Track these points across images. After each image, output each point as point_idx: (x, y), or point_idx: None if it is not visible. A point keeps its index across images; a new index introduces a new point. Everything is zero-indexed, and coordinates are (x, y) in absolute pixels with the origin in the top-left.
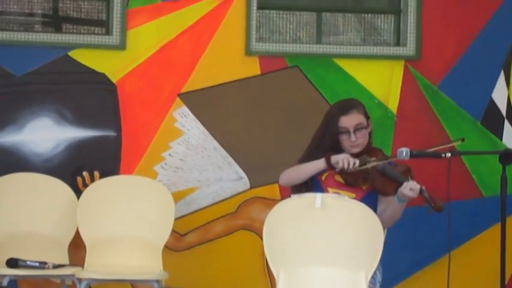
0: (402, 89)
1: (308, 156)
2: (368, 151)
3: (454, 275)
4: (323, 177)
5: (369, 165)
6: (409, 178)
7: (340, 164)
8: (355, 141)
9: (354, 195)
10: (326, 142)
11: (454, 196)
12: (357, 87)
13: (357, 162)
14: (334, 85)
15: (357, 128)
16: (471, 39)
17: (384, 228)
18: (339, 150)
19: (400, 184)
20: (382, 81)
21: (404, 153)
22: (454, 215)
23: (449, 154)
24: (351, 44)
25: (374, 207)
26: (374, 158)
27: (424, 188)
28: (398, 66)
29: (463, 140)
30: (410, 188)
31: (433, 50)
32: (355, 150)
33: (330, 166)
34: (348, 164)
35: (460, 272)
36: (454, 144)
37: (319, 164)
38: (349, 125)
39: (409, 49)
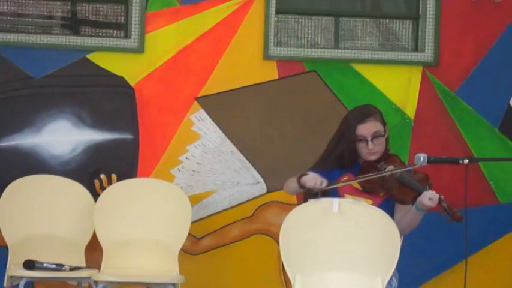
0: (420, 94)
1: (322, 162)
2: (385, 158)
3: (471, 281)
4: (340, 184)
5: (386, 173)
6: (428, 187)
7: (307, 184)
8: (373, 149)
9: (371, 201)
10: (341, 149)
11: (470, 202)
12: (375, 93)
13: (324, 182)
14: (352, 90)
15: (375, 136)
16: (489, 45)
17: (400, 235)
18: (355, 156)
19: (418, 193)
20: (400, 86)
21: (421, 159)
22: (470, 221)
23: (467, 160)
24: (369, 49)
25: (391, 213)
26: (392, 166)
27: (442, 197)
28: (416, 71)
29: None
30: (429, 197)
31: (451, 56)
32: (373, 157)
33: (301, 186)
34: (315, 183)
35: (476, 279)
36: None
37: (294, 183)
38: (367, 133)
39: (427, 55)
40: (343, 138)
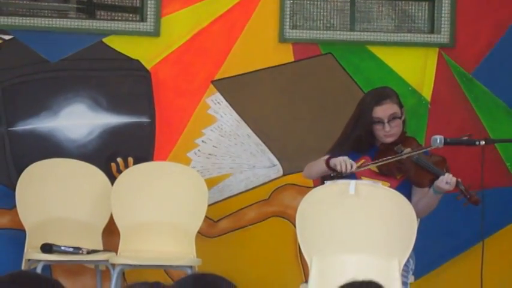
0: (436, 76)
1: (339, 145)
2: (402, 140)
3: (487, 263)
4: (369, 165)
5: (403, 156)
6: (445, 170)
7: (338, 167)
8: (390, 131)
9: (388, 184)
10: (358, 131)
11: (487, 184)
12: (391, 75)
13: (354, 165)
14: (368, 72)
15: (391, 118)
16: (506, 26)
17: (418, 218)
18: (372, 139)
19: (436, 176)
20: (416, 68)
21: (438, 141)
22: (487, 203)
23: (483, 142)
24: (385, 31)
25: (408, 196)
26: (408, 148)
27: (460, 180)
28: (433, 53)
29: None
30: (446, 181)
31: (468, 38)
32: (389, 139)
33: (330, 168)
34: (346, 167)
35: (493, 260)
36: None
37: (321, 166)
38: (383, 115)
39: (443, 36)
40: (360, 121)
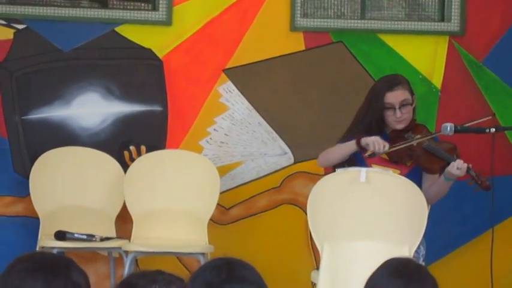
0: (446, 64)
1: (351, 131)
2: (412, 127)
3: (497, 249)
4: (367, 154)
5: (414, 142)
6: (455, 156)
7: (371, 147)
8: (401, 117)
9: (398, 171)
10: (370, 118)
11: (497, 171)
12: (401, 63)
13: (387, 145)
14: (379, 60)
15: (403, 104)
16: None
17: (428, 204)
18: (383, 126)
19: (446, 163)
20: (426, 56)
21: (448, 128)
22: (497, 190)
23: (494, 129)
24: (395, 19)
25: (418, 183)
26: (419, 135)
27: (471, 166)
28: (443, 41)
29: (494, 114)
30: (457, 167)
31: (478, 26)
32: (400, 126)
33: (361, 148)
34: (379, 147)
35: (503, 247)
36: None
37: (351, 146)
38: (395, 101)
39: (454, 24)
40: (371, 107)
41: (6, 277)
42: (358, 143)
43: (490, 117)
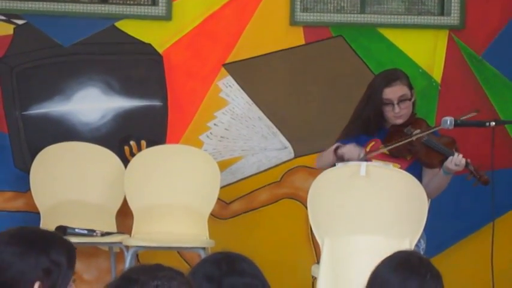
0: (446, 58)
1: (350, 127)
2: (412, 122)
3: (498, 243)
4: (367, 148)
5: (413, 137)
6: (454, 150)
7: (346, 156)
8: (399, 112)
9: (398, 165)
10: (368, 113)
11: (497, 165)
12: (401, 57)
13: (362, 153)
14: (379, 55)
15: (401, 100)
16: None
17: (429, 198)
18: (382, 121)
19: (445, 157)
20: (426, 50)
21: (448, 122)
22: (497, 183)
23: (493, 123)
24: (395, 13)
25: (419, 177)
26: (418, 130)
27: (469, 161)
28: (443, 35)
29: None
30: (455, 163)
31: (477, 19)
32: (399, 121)
33: (339, 157)
34: (353, 155)
35: (503, 240)
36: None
37: (329, 155)
38: (393, 97)
39: (453, 18)
40: (370, 102)
41: None
42: (335, 153)
43: (475, 113)
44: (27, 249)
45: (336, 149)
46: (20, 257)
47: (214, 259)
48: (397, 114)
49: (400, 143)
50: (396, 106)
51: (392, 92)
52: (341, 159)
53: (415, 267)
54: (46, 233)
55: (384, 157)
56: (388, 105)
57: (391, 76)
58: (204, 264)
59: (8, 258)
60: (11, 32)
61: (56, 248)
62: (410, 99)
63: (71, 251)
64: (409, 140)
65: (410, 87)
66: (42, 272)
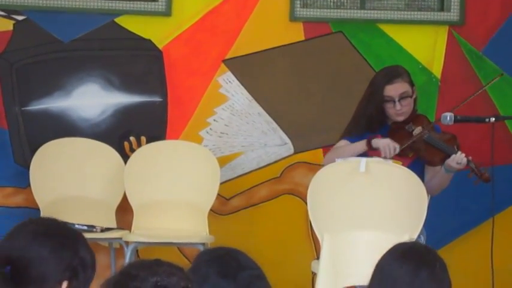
0: (446, 54)
1: (354, 126)
2: (413, 118)
3: (498, 239)
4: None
5: (425, 135)
6: (456, 148)
7: (382, 151)
8: (400, 109)
9: (400, 162)
10: (370, 111)
11: (497, 161)
12: (401, 53)
13: (397, 148)
14: (379, 50)
15: (402, 97)
16: None
17: (431, 195)
18: (384, 118)
19: (447, 155)
20: (426, 46)
21: (448, 118)
22: (497, 179)
23: (493, 119)
24: (395, 9)
25: (420, 174)
26: (419, 127)
27: (470, 158)
28: (443, 31)
29: (501, 75)
30: (457, 161)
31: (477, 15)
32: (400, 118)
33: (371, 149)
34: (390, 151)
35: (503, 236)
36: (493, 82)
37: (360, 147)
38: (394, 94)
39: (453, 14)
40: (372, 100)
41: (14, 234)
42: (369, 144)
43: (458, 107)
44: (60, 246)
45: (369, 141)
46: (54, 254)
47: (218, 255)
48: (398, 111)
49: (409, 143)
50: (397, 103)
51: (393, 89)
52: (374, 150)
53: (424, 256)
54: (71, 229)
55: None
56: (389, 102)
57: (393, 73)
58: (201, 258)
59: (43, 253)
60: (11, 27)
61: (83, 246)
62: (411, 96)
63: (92, 251)
64: (414, 139)
65: (412, 84)
66: (70, 272)
